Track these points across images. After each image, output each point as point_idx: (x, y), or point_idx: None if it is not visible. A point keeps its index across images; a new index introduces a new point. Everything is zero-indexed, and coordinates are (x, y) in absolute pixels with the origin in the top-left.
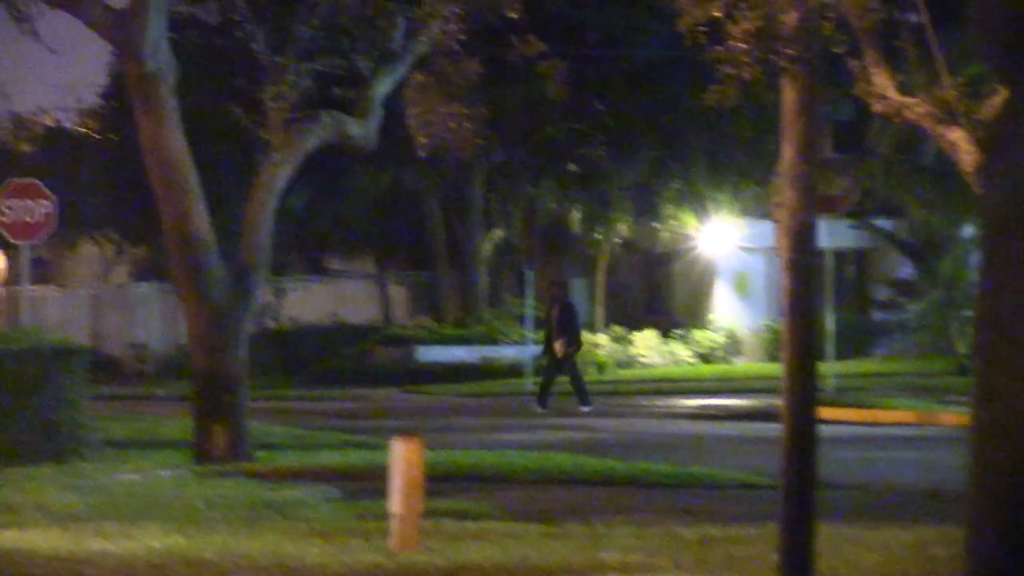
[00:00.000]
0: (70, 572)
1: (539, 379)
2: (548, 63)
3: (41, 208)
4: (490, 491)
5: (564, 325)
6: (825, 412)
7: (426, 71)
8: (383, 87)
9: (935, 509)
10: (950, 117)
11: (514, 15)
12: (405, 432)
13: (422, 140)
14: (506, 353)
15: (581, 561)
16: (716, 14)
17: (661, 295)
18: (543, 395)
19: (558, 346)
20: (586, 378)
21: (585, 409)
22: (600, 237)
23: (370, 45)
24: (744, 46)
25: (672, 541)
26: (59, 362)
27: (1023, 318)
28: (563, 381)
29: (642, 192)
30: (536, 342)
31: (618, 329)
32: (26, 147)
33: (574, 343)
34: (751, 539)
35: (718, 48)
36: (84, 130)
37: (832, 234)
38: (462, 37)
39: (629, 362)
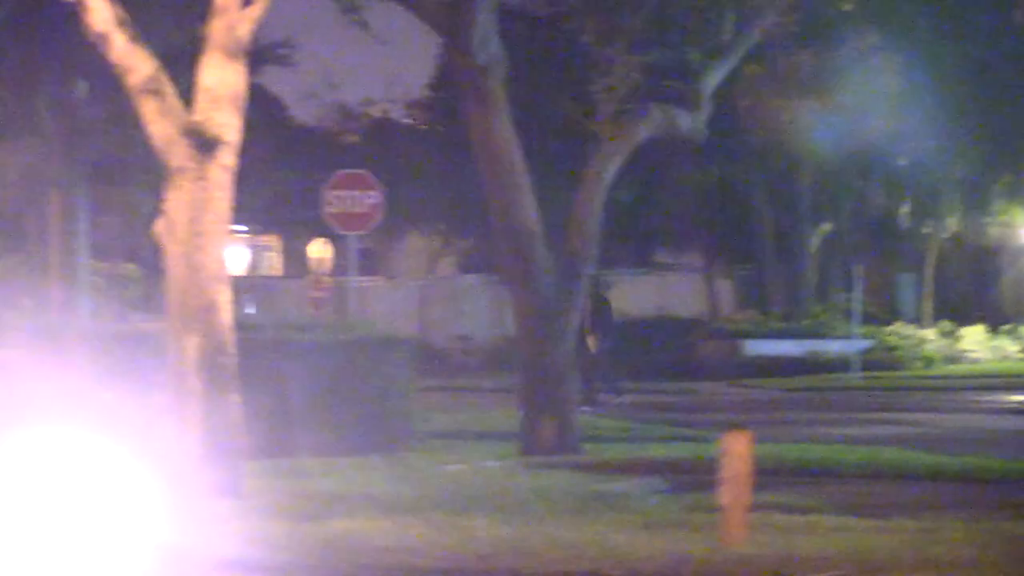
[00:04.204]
0: (399, 562)
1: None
2: (882, 56)
3: (368, 199)
4: (818, 485)
5: (597, 321)
6: None
7: (758, 63)
8: (713, 79)
9: None
10: None
11: (847, 7)
12: (732, 426)
13: (754, 133)
14: (833, 347)
15: (910, 556)
16: None
17: (990, 290)
18: (590, 395)
19: (591, 341)
20: (913, 373)
21: (609, 399)
22: (929, 231)
23: (700, 37)
24: None
25: (1002, 537)
26: (386, 353)
27: None
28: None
29: (972, 186)
30: (863, 336)
31: (946, 324)
32: (353, 138)
33: (608, 339)
34: None
35: None
36: (411, 121)
37: None
38: (795, 29)
39: (957, 357)
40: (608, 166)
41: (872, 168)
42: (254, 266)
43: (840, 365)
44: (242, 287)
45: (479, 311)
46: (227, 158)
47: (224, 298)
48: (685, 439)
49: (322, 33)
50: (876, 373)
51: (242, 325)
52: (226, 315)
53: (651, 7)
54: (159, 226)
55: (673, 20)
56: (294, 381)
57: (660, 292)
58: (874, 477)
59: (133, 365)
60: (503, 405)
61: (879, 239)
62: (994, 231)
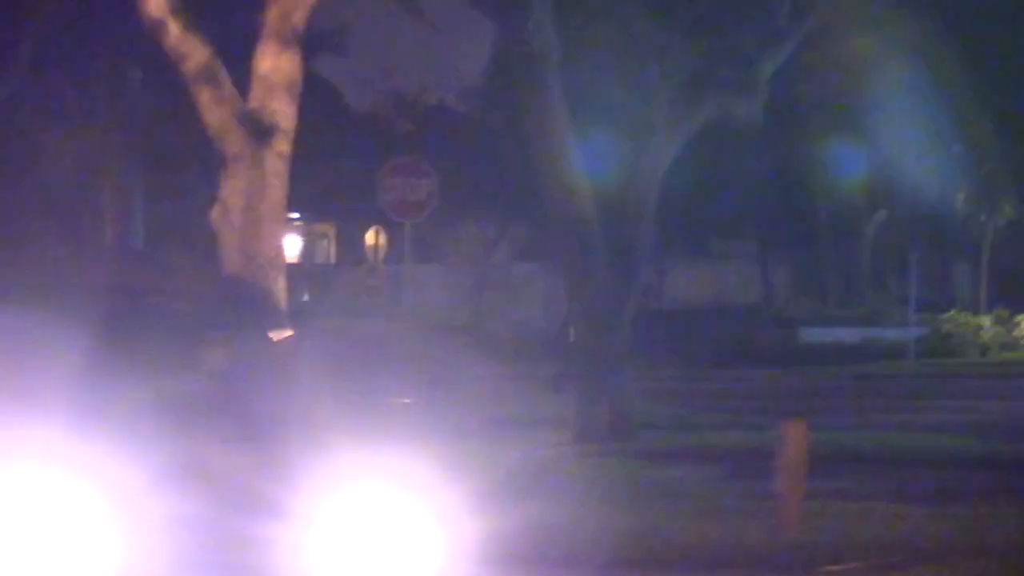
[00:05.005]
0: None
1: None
2: (939, 41)
3: (423, 186)
4: (874, 472)
5: None
6: None
7: (814, 49)
8: (769, 66)
9: None
10: None
11: None
12: (787, 413)
13: (810, 120)
14: (889, 334)
15: (965, 543)
16: None
17: None
18: (558, 379)
19: (572, 331)
20: (969, 360)
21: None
22: (985, 218)
23: (756, 23)
24: None
25: None
26: (441, 340)
27: None
28: None
29: None
30: (919, 323)
31: (1002, 311)
32: (408, 126)
33: None
34: None
35: None
36: (465, 109)
37: None
38: (851, 14)
39: (1013, 344)
40: (663, 154)
41: (927, 154)
42: (309, 254)
43: (896, 352)
44: (297, 275)
45: (534, 299)
46: (282, 145)
47: (279, 285)
48: (741, 426)
49: (377, 20)
50: (931, 360)
51: (297, 313)
52: (281, 302)
53: None
54: (214, 213)
55: (729, 6)
56: (349, 369)
57: (716, 279)
58: (930, 463)
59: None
60: (557, 393)
61: (935, 226)
62: None
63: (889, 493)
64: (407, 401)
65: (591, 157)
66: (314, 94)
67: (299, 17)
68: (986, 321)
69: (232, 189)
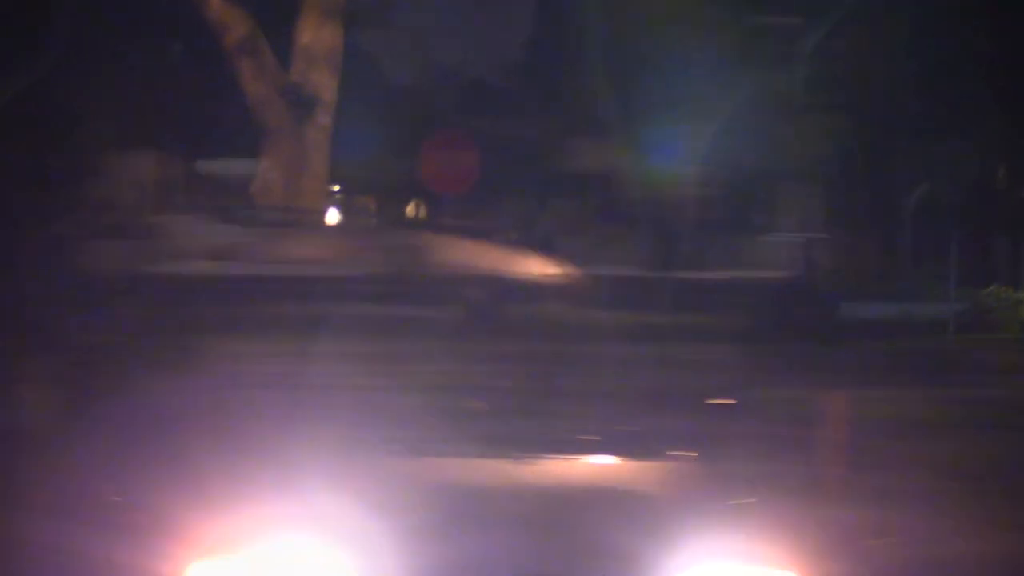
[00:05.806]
0: None
1: None
2: (980, 14)
3: (464, 160)
4: (913, 447)
5: None
6: None
7: (857, 23)
8: (811, 39)
9: None
10: None
11: None
12: (827, 388)
13: (849, 93)
14: (928, 309)
15: (1008, 519)
16: None
17: None
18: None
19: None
20: (1010, 335)
21: None
22: None
23: None
24: None
25: None
26: None
27: None
28: None
29: None
30: (959, 298)
31: None
32: (450, 99)
33: None
34: None
35: None
36: (506, 82)
37: None
38: None
39: None
40: (706, 126)
41: (968, 128)
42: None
43: (935, 327)
44: None
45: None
46: (323, 118)
47: None
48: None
49: None
50: (971, 335)
51: None
52: None
53: None
54: (256, 187)
55: None
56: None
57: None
58: (969, 439)
59: None
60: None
61: (975, 201)
62: None
63: (929, 468)
64: (732, 402)
65: (633, 130)
66: (356, 67)
67: None
68: None
69: (273, 162)
